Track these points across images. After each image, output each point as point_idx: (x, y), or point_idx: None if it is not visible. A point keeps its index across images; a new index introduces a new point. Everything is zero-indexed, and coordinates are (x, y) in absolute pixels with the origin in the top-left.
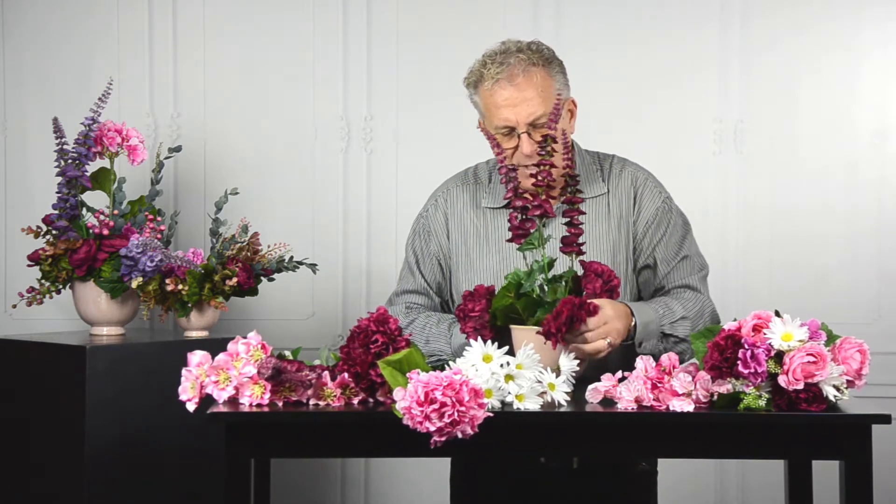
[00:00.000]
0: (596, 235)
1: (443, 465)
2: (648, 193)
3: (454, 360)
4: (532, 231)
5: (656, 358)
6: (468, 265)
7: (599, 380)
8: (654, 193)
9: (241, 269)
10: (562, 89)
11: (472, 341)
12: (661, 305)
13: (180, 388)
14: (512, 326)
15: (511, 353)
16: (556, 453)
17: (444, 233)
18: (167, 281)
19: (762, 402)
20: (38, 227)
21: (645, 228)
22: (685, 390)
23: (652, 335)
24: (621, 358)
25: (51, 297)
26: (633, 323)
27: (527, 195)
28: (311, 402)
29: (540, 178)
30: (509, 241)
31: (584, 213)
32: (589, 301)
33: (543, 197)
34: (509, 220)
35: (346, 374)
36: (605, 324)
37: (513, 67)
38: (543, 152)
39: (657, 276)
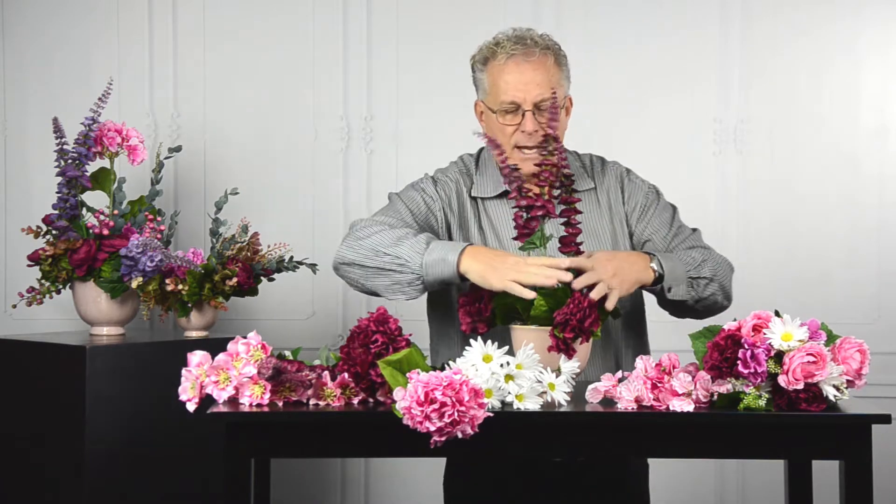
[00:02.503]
0: (593, 228)
1: (443, 466)
2: (634, 181)
3: (420, 276)
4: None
5: (689, 304)
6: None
7: (600, 380)
8: (638, 180)
9: (241, 269)
10: (563, 83)
11: (472, 340)
12: (679, 256)
13: (180, 388)
14: (512, 326)
15: (511, 352)
16: (555, 453)
17: (447, 207)
18: (167, 281)
19: (762, 402)
20: (38, 227)
21: (640, 214)
22: (685, 390)
23: (680, 280)
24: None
25: (51, 297)
26: (654, 267)
27: (530, 190)
28: (311, 402)
29: (542, 178)
30: (515, 238)
31: (580, 213)
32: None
33: (546, 197)
34: (514, 220)
35: (346, 374)
36: (593, 269)
37: (530, 48)
38: (546, 152)
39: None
